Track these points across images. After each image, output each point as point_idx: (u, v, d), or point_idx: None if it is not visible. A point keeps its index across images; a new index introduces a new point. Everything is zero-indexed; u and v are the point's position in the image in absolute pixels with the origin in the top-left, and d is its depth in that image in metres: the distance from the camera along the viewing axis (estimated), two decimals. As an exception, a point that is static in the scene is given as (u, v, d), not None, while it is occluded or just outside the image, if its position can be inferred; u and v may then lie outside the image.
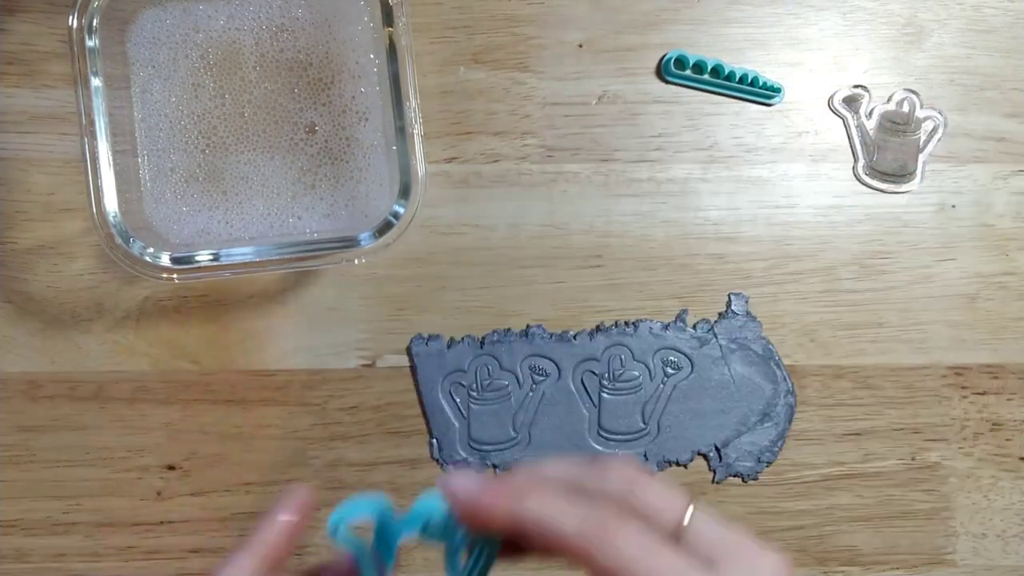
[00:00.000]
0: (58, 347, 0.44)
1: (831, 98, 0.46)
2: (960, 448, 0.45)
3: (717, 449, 0.44)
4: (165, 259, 0.40)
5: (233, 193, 0.43)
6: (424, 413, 0.44)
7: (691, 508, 0.29)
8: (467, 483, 0.30)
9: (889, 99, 0.46)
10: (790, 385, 0.44)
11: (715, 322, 0.45)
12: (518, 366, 0.43)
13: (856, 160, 0.45)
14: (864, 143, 0.45)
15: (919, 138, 0.45)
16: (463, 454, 0.44)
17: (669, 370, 0.44)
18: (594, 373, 0.44)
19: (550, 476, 0.30)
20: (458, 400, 0.44)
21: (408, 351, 0.44)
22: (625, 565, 0.27)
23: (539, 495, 0.29)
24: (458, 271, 0.45)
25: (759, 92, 0.45)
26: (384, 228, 0.40)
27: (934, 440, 0.45)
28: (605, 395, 0.44)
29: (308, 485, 0.34)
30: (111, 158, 0.39)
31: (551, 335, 0.44)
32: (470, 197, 0.45)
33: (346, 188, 0.43)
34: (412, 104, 0.39)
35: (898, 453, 0.45)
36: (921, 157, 0.45)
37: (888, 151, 0.45)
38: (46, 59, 0.44)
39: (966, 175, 0.45)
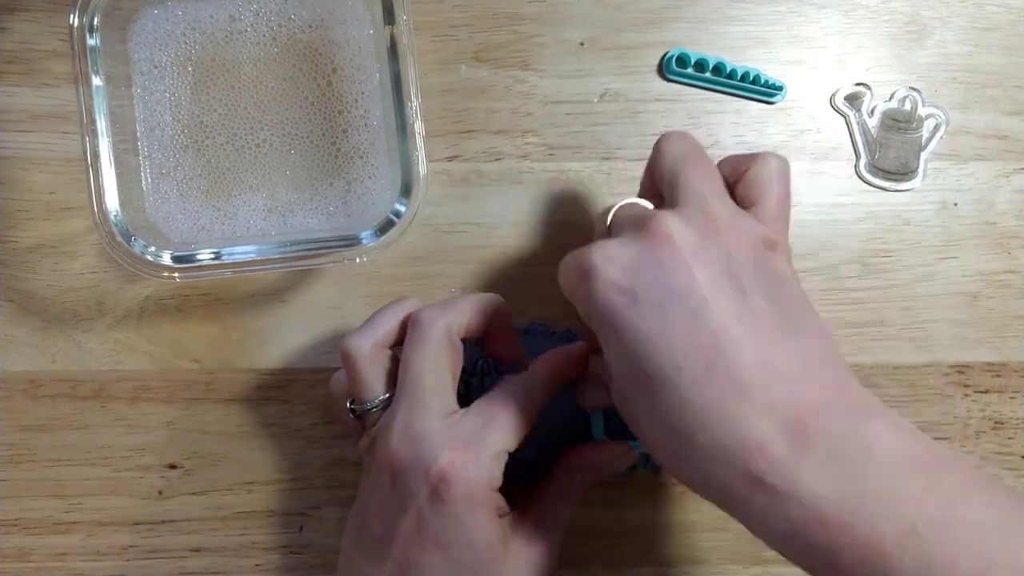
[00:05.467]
0: (59, 346, 0.44)
1: (833, 96, 0.45)
2: (963, 447, 0.45)
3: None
4: (166, 258, 0.40)
5: (234, 192, 0.43)
6: (425, 412, 0.44)
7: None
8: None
9: (891, 97, 0.46)
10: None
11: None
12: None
13: (858, 158, 0.45)
14: (866, 141, 0.45)
15: (921, 136, 0.45)
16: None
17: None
18: (596, 372, 0.44)
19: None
20: (460, 399, 0.44)
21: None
22: None
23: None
24: (460, 270, 0.45)
25: (761, 90, 0.45)
26: (385, 227, 0.40)
27: (936, 439, 0.44)
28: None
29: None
30: (112, 157, 0.39)
31: (553, 333, 0.44)
32: (472, 196, 0.45)
33: (347, 187, 0.43)
34: (413, 103, 0.39)
35: (900, 452, 0.45)
36: (923, 155, 0.45)
37: (890, 149, 0.45)
38: (47, 58, 0.44)
39: (968, 173, 0.45)
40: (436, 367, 0.36)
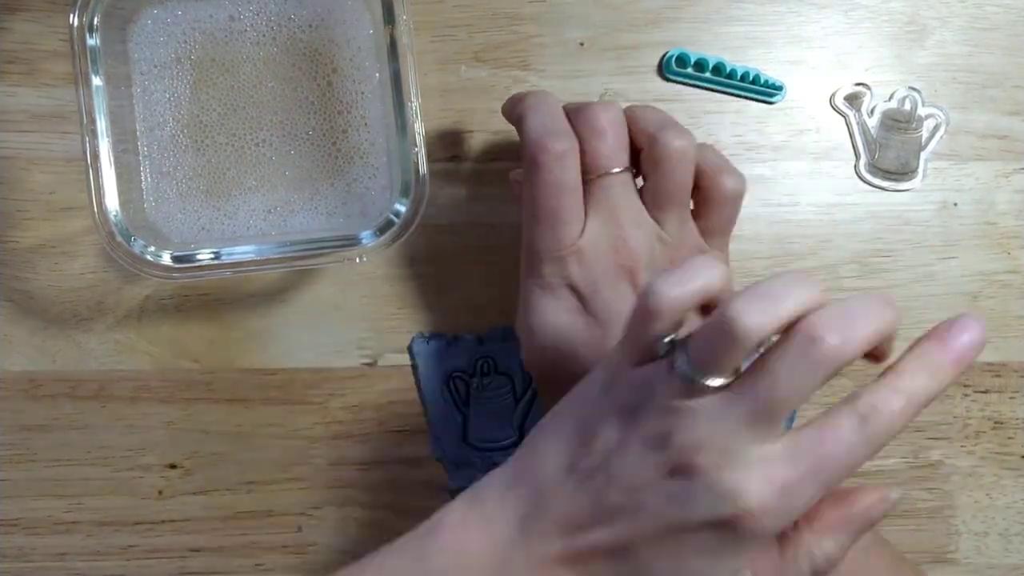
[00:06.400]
0: (59, 346, 0.44)
1: (833, 96, 0.45)
2: (962, 447, 0.45)
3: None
4: (166, 258, 0.40)
5: (234, 192, 0.43)
6: (425, 412, 0.44)
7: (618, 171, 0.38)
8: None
9: (891, 97, 0.46)
10: (792, 383, 0.44)
11: (717, 320, 0.44)
12: (518, 365, 0.43)
13: (858, 158, 0.45)
14: (866, 141, 0.45)
15: (921, 136, 0.45)
16: (464, 452, 0.44)
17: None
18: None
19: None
20: (459, 399, 0.44)
21: (409, 350, 0.44)
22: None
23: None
24: (459, 270, 0.45)
25: (761, 90, 0.45)
26: (385, 227, 0.40)
27: (936, 439, 0.45)
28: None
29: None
30: (112, 157, 0.39)
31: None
32: (472, 196, 0.45)
33: (347, 187, 0.43)
34: (413, 103, 0.39)
35: (900, 452, 0.45)
36: (923, 155, 0.45)
37: (890, 149, 0.45)
38: (47, 58, 0.44)
39: (968, 173, 0.45)
40: None
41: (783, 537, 0.29)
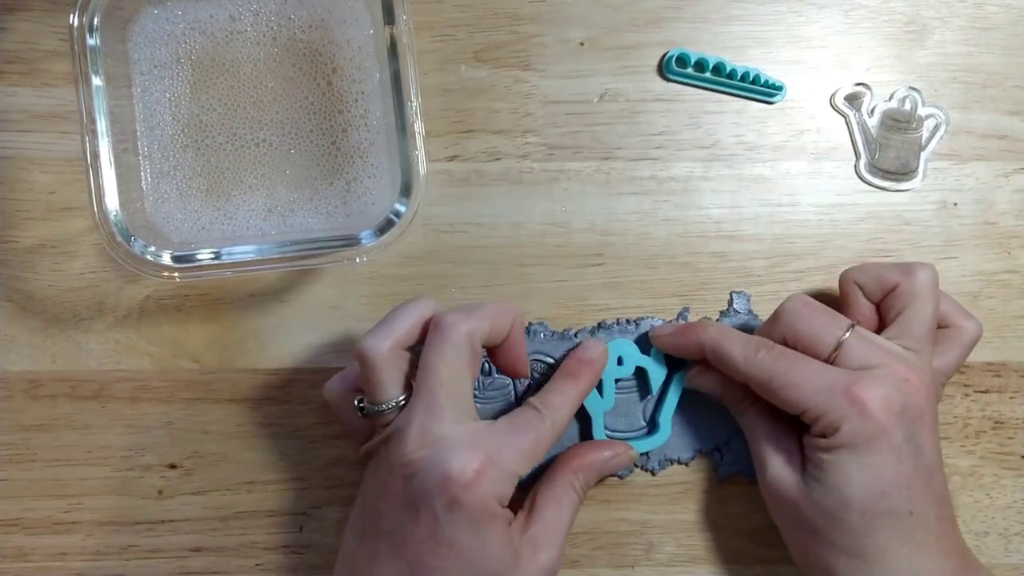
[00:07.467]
0: (59, 346, 0.44)
1: (833, 96, 0.45)
2: (962, 447, 0.45)
3: (719, 447, 0.44)
4: (166, 258, 0.40)
5: (234, 192, 0.43)
6: (425, 412, 0.44)
7: (848, 332, 0.37)
8: (667, 327, 0.42)
9: (891, 97, 0.46)
10: (792, 383, 0.44)
11: (717, 320, 0.44)
12: (519, 364, 0.43)
13: (858, 158, 0.45)
14: (866, 141, 0.45)
15: (921, 136, 0.45)
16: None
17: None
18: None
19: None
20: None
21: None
22: (770, 375, 0.37)
23: (715, 329, 0.40)
24: (459, 270, 0.45)
25: (761, 90, 0.45)
26: (385, 226, 0.40)
27: (936, 438, 0.45)
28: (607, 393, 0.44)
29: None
30: (112, 157, 0.39)
31: (552, 333, 0.44)
32: (471, 195, 0.45)
33: (347, 186, 0.43)
34: (413, 102, 0.39)
35: (900, 451, 0.45)
36: (923, 155, 0.45)
37: (890, 149, 0.45)
38: (47, 57, 0.44)
39: (968, 173, 0.45)
40: (457, 372, 0.36)
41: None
